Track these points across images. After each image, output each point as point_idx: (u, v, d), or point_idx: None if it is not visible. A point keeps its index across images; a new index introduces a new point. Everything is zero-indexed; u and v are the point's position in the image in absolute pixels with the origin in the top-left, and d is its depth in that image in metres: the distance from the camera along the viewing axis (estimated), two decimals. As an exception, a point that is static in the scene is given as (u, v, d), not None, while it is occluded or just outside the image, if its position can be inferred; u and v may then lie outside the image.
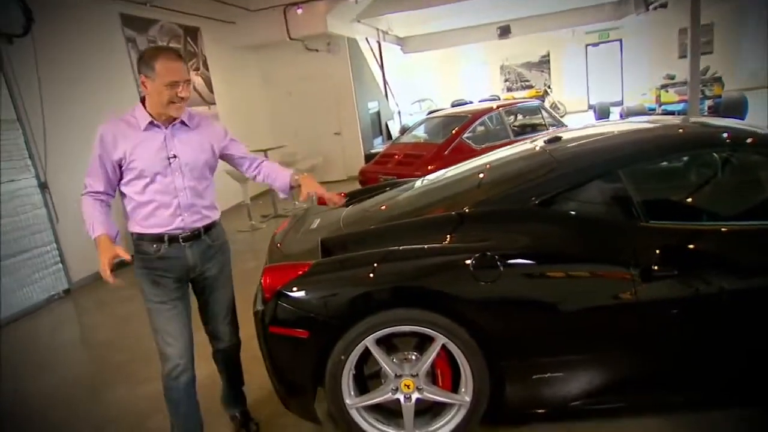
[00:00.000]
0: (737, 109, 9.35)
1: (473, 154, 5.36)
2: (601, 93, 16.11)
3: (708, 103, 10.22)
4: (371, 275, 2.11)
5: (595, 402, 2.14)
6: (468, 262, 2.03)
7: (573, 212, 2.21)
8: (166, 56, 1.95)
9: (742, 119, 9.18)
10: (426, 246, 2.15)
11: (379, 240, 2.32)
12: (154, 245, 2.09)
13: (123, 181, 2.06)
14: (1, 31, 4.64)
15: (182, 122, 2.10)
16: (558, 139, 2.73)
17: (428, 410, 2.26)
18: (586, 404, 2.14)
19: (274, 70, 9.73)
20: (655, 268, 1.98)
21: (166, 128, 2.06)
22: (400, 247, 2.17)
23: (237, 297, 2.43)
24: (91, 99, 5.58)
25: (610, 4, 13.63)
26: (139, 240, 2.11)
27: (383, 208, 2.93)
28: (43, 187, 5.00)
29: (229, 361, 2.44)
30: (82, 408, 3.06)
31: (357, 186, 6.17)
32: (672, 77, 11.81)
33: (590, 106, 16.17)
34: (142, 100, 2.06)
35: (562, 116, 15.59)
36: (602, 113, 12.34)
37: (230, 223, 7.44)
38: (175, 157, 2.05)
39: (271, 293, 2.15)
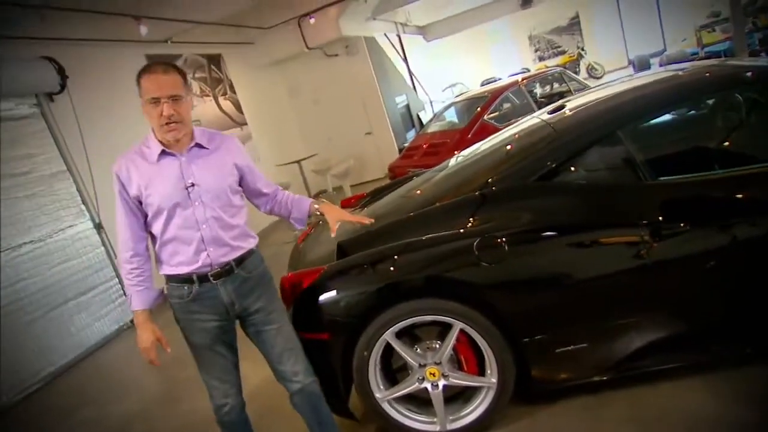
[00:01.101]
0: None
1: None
2: (641, 45, 15.23)
3: (758, 36, 9.45)
4: (381, 271, 2.17)
5: (624, 369, 2.09)
6: (469, 246, 2.04)
7: (575, 182, 2.17)
8: (149, 71, 1.77)
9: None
10: (429, 236, 2.17)
11: (390, 236, 2.37)
12: (185, 287, 1.91)
13: (147, 222, 1.91)
14: (42, 92, 5.06)
15: (199, 145, 1.91)
16: (561, 108, 2.67)
17: (460, 396, 2.29)
18: (615, 373, 2.10)
19: (298, 81, 9.96)
20: (665, 225, 1.92)
21: (182, 155, 1.87)
22: (408, 240, 2.21)
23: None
24: (130, 140, 5.92)
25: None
26: (169, 284, 1.96)
27: (398, 202, 2.97)
28: (99, 227, 5.41)
29: (310, 406, 2.07)
30: (157, 423, 3.32)
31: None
32: (717, 14, 11.00)
33: (630, 61, 15.35)
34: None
35: (600, 77, 14.98)
36: (642, 66, 11.67)
37: (275, 236, 7.71)
38: (193, 185, 1.85)
39: (289, 301, 2.25)
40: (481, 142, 3.22)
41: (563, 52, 16.54)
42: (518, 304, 2.07)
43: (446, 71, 18.39)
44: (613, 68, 15.49)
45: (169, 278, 1.95)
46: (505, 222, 2.12)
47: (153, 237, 1.94)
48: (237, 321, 2.05)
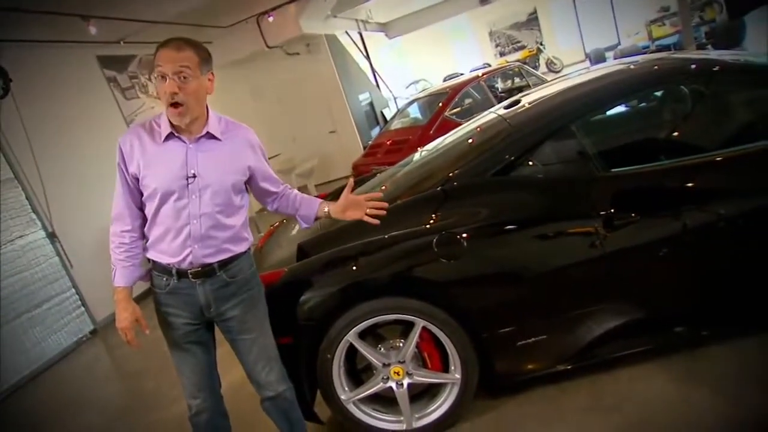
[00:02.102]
0: (733, 34, 8.98)
1: (459, 128, 5.33)
2: (597, 39, 15.63)
3: (704, 29, 9.84)
4: (341, 271, 2.15)
5: (584, 358, 2.13)
6: (428, 243, 2.04)
7: (531, 176, 2.20)
8: (164, 45, 1.68)
9: (738, 45, 8.82)
10: (390, 234, 2.16)
11: (351, 235, 2.35)
12: (164, 278, 1.84)
13: (143, 198, 1.81)
14: (-17, 96, 4.81)
15: (211, 135, 1.78)
16: (516, 103, 2.70)
17: (425, 393, 2.29)
18: (575, 362, 2.14)
19: (260, 81, 9.80)
20: (617, 216, 1.96)
21: (190, 142, 1.76)
22: (367, 240, 2.19)
23: None
24: (82, 144, 5.74)
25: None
26: (152, 271, 1.88)
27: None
28: (52, 236, 5.18)
29: (280, 412, 2.02)
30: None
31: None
32: (666, 8, 11.39)
33: (587, 55, 15.74)
34: None
35: (559, 71, 15.29)
36: (597, 60, 12.01)
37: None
38: (194, 176, 1.74)
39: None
40: (441, 138, 3.24)
41: (523, 47, 16.82)
42: (478, 299, 2.08)
43: (409, 68, 18.45)
44: (571, 62, 15.85)
45: (153, 264, 1.87)
46: (463, 218, 2.12)
47: (145, 214, 1.84)
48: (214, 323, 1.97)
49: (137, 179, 1.77)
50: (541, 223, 2.06)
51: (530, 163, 2.20)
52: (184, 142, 1.76)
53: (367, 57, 12.20)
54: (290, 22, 8.29)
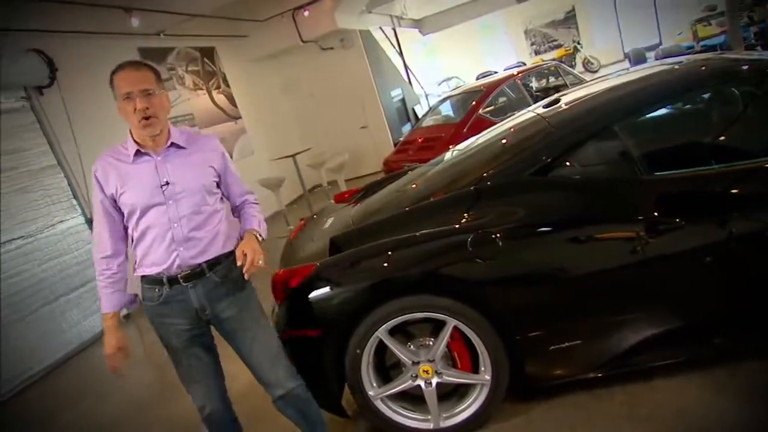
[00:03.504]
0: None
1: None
2: (637, 38, 15.19)
3: (753, 29, 9.43)
4: (373, 267, 2.14)
5: (618, 366, 2.07)
6: (462, 242, 2.02)
7: (570, 177, 2.14)
8: (120, 69, 1.77)
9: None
10: (423, 232, 2.14)
11: (385, 231, 2.34)
12: (156, 289, 1.87)
13: (124, 219, 1.89)
14: (31, 85, 4.98)
15: (175, 145, 1.89)
16: (556, 102, 2.64)
17: (453, 393, 2.27)
18: (609, 369, 2.08)
19: (293, 75, 9.88)
20: (660, 220, 1.90)
21: (157, 155, 1.86)
22: (400, 237, 2.18)
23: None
24: (122, 134, 5.88)
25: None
26: (142, 285, 1.92)
27: (391, 198, 2.94)
28: (91, 222, 5.34)
29: (295, 410, 2.04)
30: (149, 423, 3.29)
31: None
32: (713, 8, 10.96)
33: (626, 55, 15.32)
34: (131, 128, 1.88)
35: (596, 71, 14.94)
36: (637, 60, 11.64)
37: (269, 231, 7.63)
38: (168, 183, 1.83)
39: (281, 299, 2.22)
40: (476, 137, 3.19)
41: (559, 46, 16.49)
42: (512, 300, 2.05)
43: (441, 65, 18.31)
44: (609, 62, 15.47)
45: (142, 279, 1.92)
46: (499, 217, 2.09)
47: (130, 237, 1.92)
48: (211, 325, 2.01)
49: (115, 200, 1.85)
50: (581, 225, 2.01)
51: (570, 164, 2.14)
52: (152, 156, 1.86)
53: (400, 53, 12.17)
54: (326, 17, 8.32)
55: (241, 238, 1.97)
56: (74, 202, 5.26)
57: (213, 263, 1.90)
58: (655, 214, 1.91)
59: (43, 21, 5.00)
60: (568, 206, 2.06)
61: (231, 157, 7.47)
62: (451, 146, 5.12)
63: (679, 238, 1.92)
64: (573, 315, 2.04)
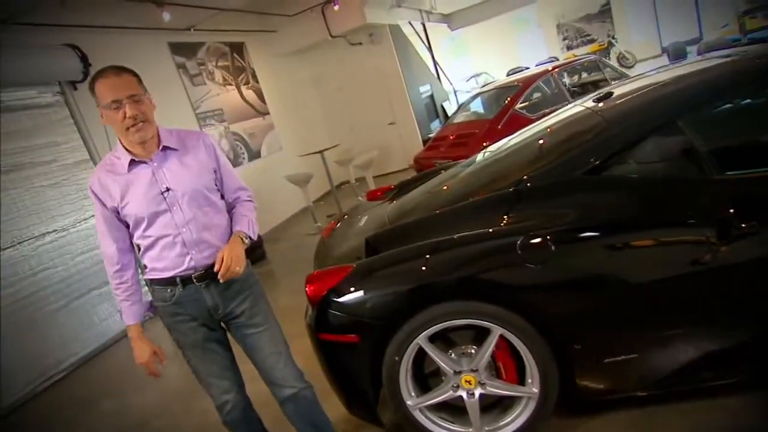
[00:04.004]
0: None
1: (529, 123, 5.03)
2: (675, 32, 14.65)
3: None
4: (413, 271, 2.03)
5: (678, 383, 1.91)
6: (511, 245, 1.88)
7: (629, 176, 1.98)
8: (101, 76, 1.71)
9: None
10: (465, 233, 2.01)
11: (423, 231, 2.23)
12: (168, 290, 1.86)
13: (129, 229, 1.86)
14: (65, 80, 5.01)
15: (167, 148, 1.84)
16: (609, 95, 2.46)
17: (497, 405, 2.14)
18: (667, 386, 1.91)
19: (321, 70, 9.81)
20: (732, 225, 1.72)
21: (152, 161, 1.81)
22: (441, 238, 2.05)
23: (305, 301, 2.16)
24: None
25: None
26: (152, 287, 1.91)
27: (427, 197, 2.81)
28: (122, 217, 5.36)
29: (303, 413, 2.01)
30: (177, 418, 3.27)
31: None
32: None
33: (664, 49, 14.79)
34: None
35: (631, 66, 14.46)
36: (677, 55, 11.17)
37: (297, 228, 7.62)
38: (168, 190, 1.80)
39: (316, 301, 2.12)
40: (516, 134, 3.03)
41: (593, 41, 16.02)
42: (564, 308, 1.90)
43: (470, 61, 18.04)
44: (645, 57, 14.96)
45: (152, 281, 1.91)
46: (549, 219, 1.94)
47: (137, 245, 1.90)
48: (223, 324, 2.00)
49: (117, 212, 1.81)
50: (641, 229, 1.84)
51: (629, 161, 1.98)
52: (147, 163, 1.81)
53: (429, 48, 11.99)
54: (355, 11, 8.22)
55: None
56: (106, 196, 5.28)
57: None
58: (727, 218, 1.74)
59: (76, 16, 5.02)
60: (627, 208, 1.90)
61: (260, 153, 7.49)
62: (485, 143, 4.98)
63: (753, 246, 1.74)
64: (631, 326, 1.88)
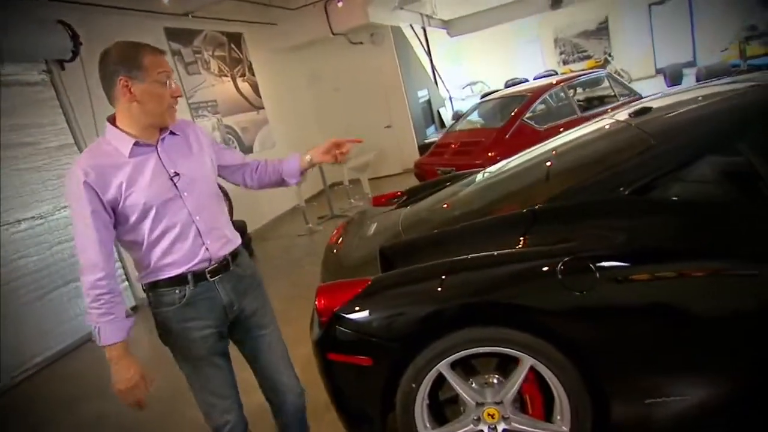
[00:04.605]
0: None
1: (536, 135, 4.92)
2: (670, 54, 14.80)
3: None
4: (439, 290, 1.83)
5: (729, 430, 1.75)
6: (550, 268, 1.69)
7: (683, 198, 1.82)
8: (150, 49, 1.59)
9: None
10: (499, 252, 1.83)
11: (444, 246, 2.05)
12: (177, 290, 1.66)
13: (121, 230, 1.61)
14: (53, 58, 4.71)
15: (172, 132, 1.70)
16: (648, 110, 2.31)
17: (517, 439, 1.95)
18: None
19: (319, 67, 9.58)
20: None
21: (156, 144, 1.65)
22: (471, 255, 1.87)
23: (295, 307, 2.10)
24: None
25: (674, -44, 12.39)
26: (154, 291, 1.68)
27: (445, 207, 2.63)
28: (105, 207, 5.06)
29: (299, 421, 1.98)
30: (157, 422, 3.02)
31: (413, 179, 5.89)
32: (754, 27, 10.59)
33: (658, 70, 14.91)
34: (111, 120, 1.63)
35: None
36: (674, 77, 11.25)
37: (287, 228, 7.37)
38: (177, 175, 1.64)
39: (327, 316, 1.91)
40: (540, 145, 2.86)
41: (589, 57, 16.11)
42: (606, 341, 1.72)
43: (466, 68, 17.97)
44: (639, 76, 15.07)
45: (154, 285, 1.67)
46: (591, 242, 1.77)
47: (133, 243, 1.64)
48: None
49: (115, 206, 1.56)
50: (698, 258, 1.68)
51: (681, 181, 1.82)
52: (152, 146, 1.65)
53: (429, 53, 11.86)
54: (358, 10, 8.03)
55: (302, 170, 1.93)
56: (89, 184, 4.98)
57: (234, 254, 1.78)
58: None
59: (70, -9, 4.74)
60: (682, 233, 1.73)
61: (252, 148, 7.23)
62: (491, 153, 4.82)
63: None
64: (680, 365, 1.71)
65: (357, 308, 1.87)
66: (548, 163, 2.45)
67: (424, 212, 2.68)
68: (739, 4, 13.78)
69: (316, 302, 1.94)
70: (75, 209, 1.55)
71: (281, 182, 1.96)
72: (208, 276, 1.69)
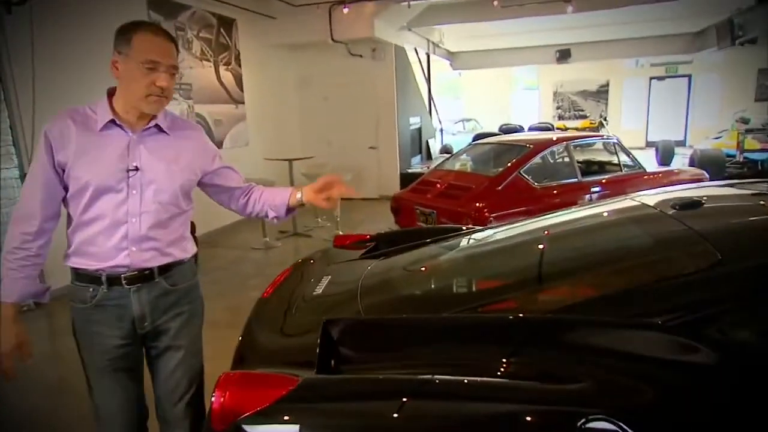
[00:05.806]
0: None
1: (531, 192, 4.44)
2: (662, 130, 14.92)
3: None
4: (395, 417, 1.23)
5: None
6: (570, 422, 1.13)
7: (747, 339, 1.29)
8: (148, 29, 1.50)
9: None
10: (483, 380, 1.27)
11: (407, 339, 1.49)
12: (90, 289, 1.56)
13: (66, 198, 1.56)
14: (0, -3, 4.02)
15: (158, 127, 1.59)
16: (697, 204, 1.80)
17: None
18: None
19: (311, 72, 9.00)
20: None
21: (133, 132, 1.55)
22: (442, 377, 1.30)
23: (218, 340, 1.81)
24: (96, 85, 4.91)
25: (685, 36, 12.47)
26: (73, 282, 1.60)
27: (418, 277, 2.06)
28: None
29: None
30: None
31: (387, 209, 5.33)
32: (746, 121, 10.61)
33: (648, 143, 14.98)
34: (110, 93, 1.57)
35: (613, 152, 14.46)
36: (666, 155, 11.14)
37: (242, 238, 6.68)
38: (136, 169, 1.54)
39: (224, 425, 1.29)
40: (546, 215, 2.33)
41: (585, 116, 16.09)
42: None
43: (461, 104, 17.78)
44: (629, 146, 15.02)
45: (75, 275, 1.60)
46: (609, 391, 1.21)
47: (69, 217, 1.58)
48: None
49: (63, 170, 1.52)
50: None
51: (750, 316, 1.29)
52: (126, 131, 1.55)
53: (428, 81, 11.48)
54: (364, 21, 7.55)
55: (290, 209, 1.78)
56: (11, 149, 4.23)
57: (166, 267, 1.62)
58: None
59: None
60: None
61: (222, 144, 6.46)
62: (479, 203, 4.29)
63: None
64: None
65: (272, 421, 1.26)
66: (560, 252, 1.91)
67: (394, 272, 2.11)
68: (735, 94, 14.06)
69: (214, 397, 1.32)
70: (34, 156, 1.56)
71: (265, 215, 1.80)
72: (123, 282, 1.56)
